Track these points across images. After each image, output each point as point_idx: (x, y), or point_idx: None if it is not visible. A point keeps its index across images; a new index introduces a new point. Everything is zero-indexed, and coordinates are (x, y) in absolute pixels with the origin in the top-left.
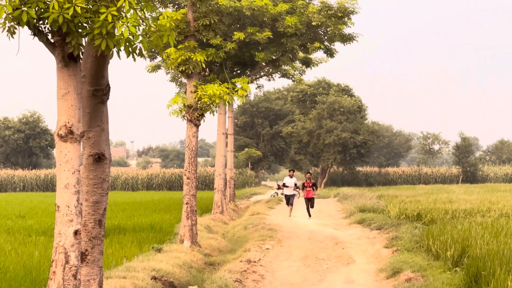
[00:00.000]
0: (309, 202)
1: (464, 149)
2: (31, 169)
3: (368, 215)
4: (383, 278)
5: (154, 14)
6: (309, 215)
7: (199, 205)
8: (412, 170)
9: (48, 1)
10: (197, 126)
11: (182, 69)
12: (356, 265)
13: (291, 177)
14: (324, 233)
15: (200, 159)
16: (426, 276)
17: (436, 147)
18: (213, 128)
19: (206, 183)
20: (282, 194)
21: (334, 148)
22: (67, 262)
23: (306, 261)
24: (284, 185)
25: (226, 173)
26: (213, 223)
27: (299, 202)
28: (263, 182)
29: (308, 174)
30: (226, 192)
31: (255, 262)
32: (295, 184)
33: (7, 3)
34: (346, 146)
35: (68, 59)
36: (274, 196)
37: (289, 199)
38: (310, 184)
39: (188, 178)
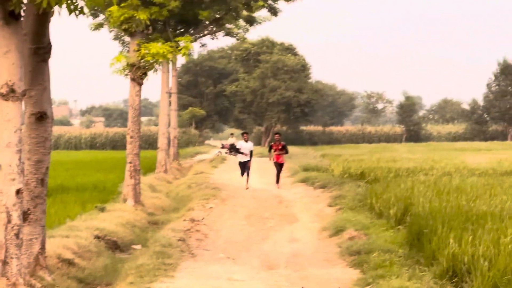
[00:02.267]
0: (280, 166)
1: (408, 108)
2: None
3: (311, 174)
4: (327, 236)
5: None
6: (277, 181)
7: (142, 164)
8: (356, 129)
9: None
10: (140, 85)
11: (125, 28)
12: (300, 224)
13: (246, 141)
14: (268, 192)
15: (143, 118)
16: (369, 234)
17: (380, 106)
18: (157, 87)
19: (149, 142)
20: (226, 153)
21: (278, 107)
22: (9, 221)
23: (250, 219)
24: (238, 151)
25: (169, 132)
26: (157, 182)
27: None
28: (206, 141)
29: (277, 135)
30: (170, 151)
31: (198, 221)
32: (251, 152)
33: None
34: (290, 105)
35: (9, 16)
36: (218, 155)
37: (244, 167)
38: (280, 147)
39: (131, 137)
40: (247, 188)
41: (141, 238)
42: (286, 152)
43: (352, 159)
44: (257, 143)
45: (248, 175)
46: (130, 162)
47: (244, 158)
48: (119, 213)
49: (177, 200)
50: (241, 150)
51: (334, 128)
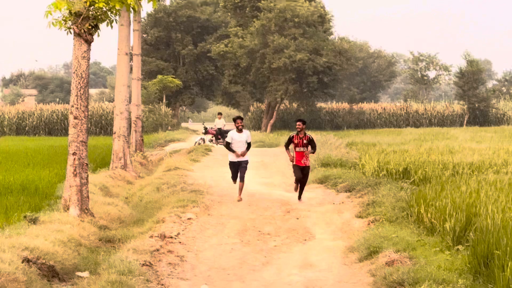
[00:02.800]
0: (302, 173)
1: (472, 77)
2: None
3: (333, 171)
4: (355, 260)
5: None
6: (300, 196)
7: (91, 156)
8: (396, 107)
9: None
10: (88, 42)
11: None
12: (316, 242)
13: (241, 130)
14: (271, 196)
15: (93, 91)
16: (415, 258)
17: (431, 74)
18: (112, 46)
19: (102, 126)
20: (211, 141)
21: (286, 75)
22: None
23: (244, 236)
24: (228, 145)
25: (130, 111)
26: (112, 182)
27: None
28: (183, 124)
29: (300, 122)
30: (131, 138)
31: (171, 238)
32: (248, 144)
33: None
34: (302, 73)
35: None
36: (199, 143)
37: (237, 170)
38: (305, 141)
39: (75, 118)
40: (239, 200)
41: (89, 262)
42: (313, 150)
43: (392, 149)
44: (256, 126)
45: (242, 180)
46: (74, 154)
47: (235, 158)
48: (57, 226)
49: (141, 208)
50: (233, 146)
51: (365, 106)
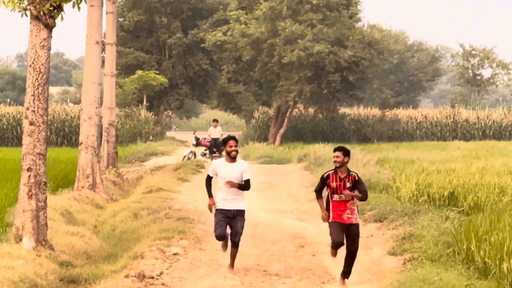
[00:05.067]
0: (348, 237)
1: None
2: None
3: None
4: None
5: None
6: (346, 273)
7: (51, 173)
8: (441, 114)
9: None
10: (49, 27)
11: None
12: (338, 286)
13: (234, 157)
14: (280, 226)
15: (54, 89)
16: None
17: (486, 72)
18: (79, 33)
19: (64, 134)
20: (204, 155)
21: (300, 72)
22: None
23: (246, 277)
24: (208, 180)
25: (101, 115)
26: (77, 206)
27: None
28: (169, 133)
29: (339, 153)
30: (102, 150)
31: (152, 278)
32: (245, 182)
33: None
34: (321, 69)
35: None
36: (189, 158)
37: (225, 223)
38: (348, 184)
39: (31, 124)
40: (231, 269)
41: None
42: (363, 198)
43: (435, 168)
44: (261, 136)
45: (235, 244)
46: (29, 169)
47: (228, 203)
48: (7, 261)
49: (114, 239)
50: (221, 182)
51: (401, 112)
